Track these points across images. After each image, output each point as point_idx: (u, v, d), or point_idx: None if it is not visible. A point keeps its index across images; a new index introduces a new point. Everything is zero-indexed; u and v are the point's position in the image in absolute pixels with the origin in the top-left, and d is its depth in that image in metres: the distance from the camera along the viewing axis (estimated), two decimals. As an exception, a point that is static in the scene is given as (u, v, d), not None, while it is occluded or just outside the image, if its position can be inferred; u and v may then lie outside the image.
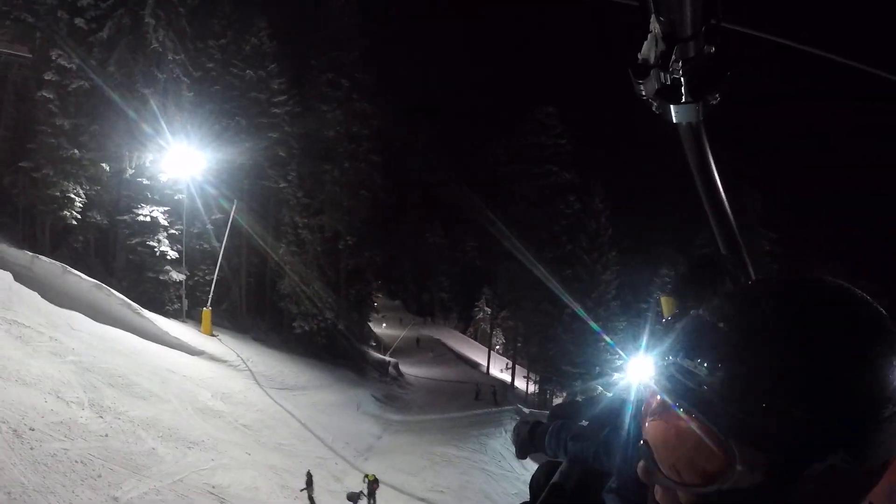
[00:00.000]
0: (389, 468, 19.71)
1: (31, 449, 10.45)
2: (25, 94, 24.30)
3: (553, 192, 49.41)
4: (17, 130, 24.30)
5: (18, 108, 24.58)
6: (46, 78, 22.59)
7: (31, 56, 23.17)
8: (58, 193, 22.15)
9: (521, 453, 2.81)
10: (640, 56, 1.31)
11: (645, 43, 1.29)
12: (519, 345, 56.31)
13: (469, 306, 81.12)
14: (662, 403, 0.83)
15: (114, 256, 24.95)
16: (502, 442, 23.16)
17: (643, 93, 1.36)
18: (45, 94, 22.39)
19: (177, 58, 25.76)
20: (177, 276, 25.15)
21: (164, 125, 23.77)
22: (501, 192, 50.94)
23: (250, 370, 22.26)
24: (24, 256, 19.87)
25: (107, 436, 12.56)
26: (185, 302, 25.74)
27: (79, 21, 23.39)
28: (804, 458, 0.73)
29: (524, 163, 51.43)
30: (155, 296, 24.29)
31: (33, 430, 10.97)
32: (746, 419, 0.75)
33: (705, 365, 0.78)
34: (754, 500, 0.76)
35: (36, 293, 18.21)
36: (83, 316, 18.51)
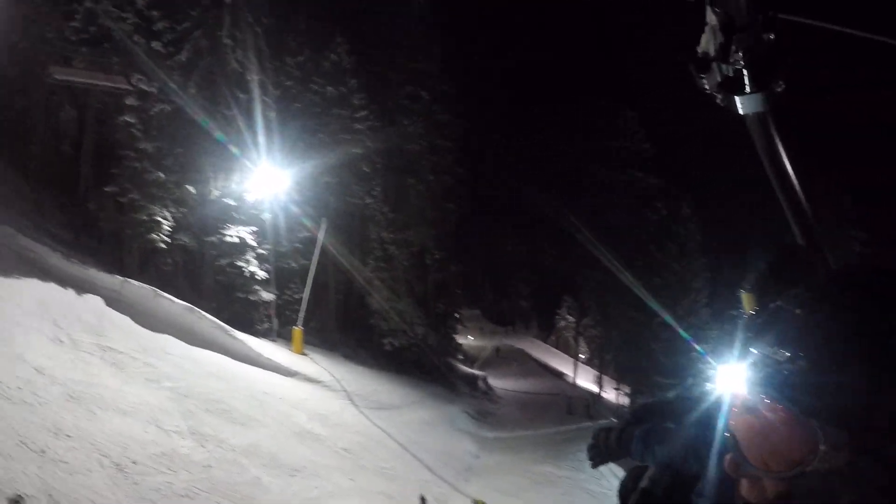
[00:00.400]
0: (491, 489, 18.72)
1: (136, 484, 9.77)
2: (106, 120, 24.31)
3: (638, 198, 48.29)
4: (100, 156, 24.33)
5: (101, 133, 24.63)
6: (128, 103, 22.38)
7: (131, 88, 22.96)
8: (145, 217, 21.89)
9: (600, 460, 2.82)
10: (699, 50, 1.35)
11: (703, 36, 1.32)
12: (606, 356, 55.03)
13: (550, 314, 79.69)
14: (747, 394, 0.85)
15: (202, 278, 24.66)
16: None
17: (706, 86, 1.37)
18: (127, 118, 22.16)
19: (256, 78, 25.47)
20: (266, 295, 24.75)
21: (247, 145, 23.65)
22: (583, 198, 49.96)
23: (345, 390, 21.51)
24: (114, 281, 19.57)
25: (210, 466, 11.84)
26: (276, 321, 25.40)
27: (156, 45, 23.19)
28: (888, 437, 0.74)
29: (606, 168, 50.47)
30: (244, 316, 23.88)
31: (136, 462, 10.30)
32: (829, 400, 0.76)
33: (786, 352, 0.80)
34: (838, 480, 0.77)
35: (128, 318, 17.86)
36: (176, 339, 18.07)
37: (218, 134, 22.67)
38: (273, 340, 24.06)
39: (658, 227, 44.73)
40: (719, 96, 1.35)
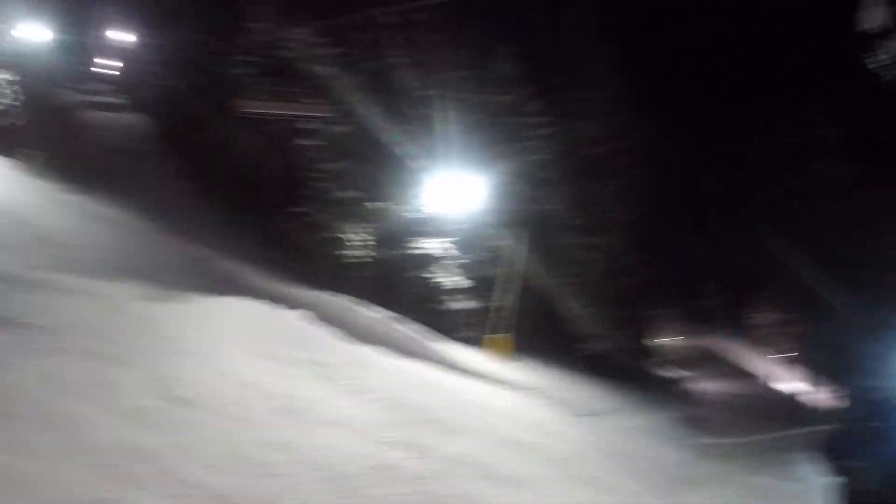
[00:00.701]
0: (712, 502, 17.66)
1: (352, 497, 9.17)
2: (290, 143, 25.01)
3: (834, 188, 44.13)
4: (286, 179, 25.11)
5: (285, 156, 25.43)
6: (309, 127, 22.97)
7: (311, 113, 23.68)
8: (337, 235, 22.19)
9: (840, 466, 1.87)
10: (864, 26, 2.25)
11: (865, 12, 2.65)
12: (812, 356, 50.45)
13: (744, 313, 74.36)
14: None
15: (396, 290, 24.73)
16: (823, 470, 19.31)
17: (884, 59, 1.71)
18: (310, 141, 22.66)
19: (432, 92, 25.43)
20: (460, 304, 24.42)
21: (429, 159, 23.58)
22: (775, 189, 46.32)
23: (550, 397, 20.46)
24: (311, 295, 19.80)
25: (423, 477, 11.13)
26: (475, 330, 25.08)
27: (331, 69, 23.75)
28: None
29: (799, 159, 46.70)
30: (440, 326, 23.60)
31: (350, 475, 9.72)
32: None
33: None
34: None
35: (328, 331, 17.91)
36: (377, 351, 17.88)
37: (400, 149, 22.73)
38: (475, 349, 23.67)
39: (861, 218, 40.79)
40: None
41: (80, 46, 49.25)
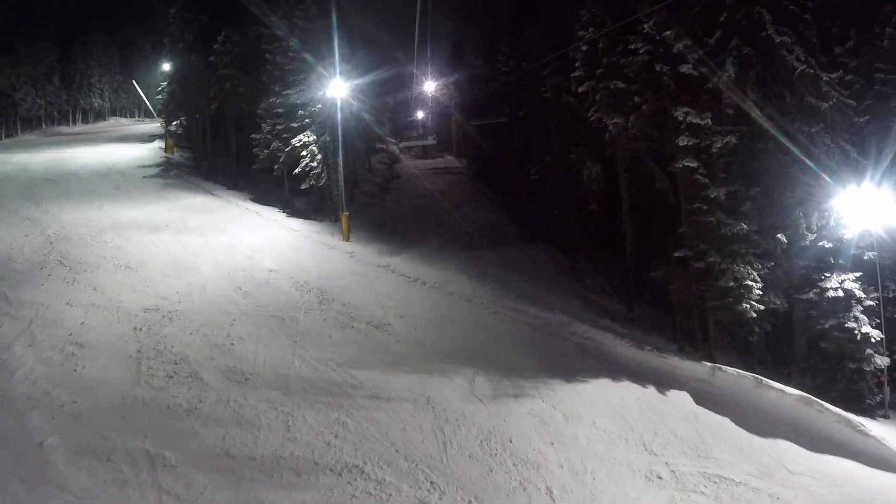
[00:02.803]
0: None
1: None
2: (641, 169, 21.19)
3: None
4: (639, 210, 21.46)
5: (636, 184, 21.83)
6: (681, 144, 17.97)
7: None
8: (731, 283, 16.97)
9: None
10: None
11: None
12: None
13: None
14: None
15: (793, 347, 19.27)
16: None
17: None
18: (686, 163, 17.79)
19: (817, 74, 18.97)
20: (880, 361, 18.12)
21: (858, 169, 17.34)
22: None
23: None
24: (702, 370, 15.67)
25: None
26: (888, 392, 18.50)
27: (685, 68, 18.71)
28: None
29: None
30: (852, 392, 17.75)
31: None
32: None
33: None
34: None
35: (726, 418, 13.93)
36: (792, 444, 13.43)
37: (807, 159, 17.05)
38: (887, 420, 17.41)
39: None
40: None
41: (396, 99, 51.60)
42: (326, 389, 12.81)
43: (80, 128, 59.66)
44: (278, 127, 28.33)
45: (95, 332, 14.38)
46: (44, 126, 55.62)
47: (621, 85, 21.11)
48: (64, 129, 57.18)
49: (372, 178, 37.27)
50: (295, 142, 27.35)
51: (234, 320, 15.66)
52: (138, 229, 22.67)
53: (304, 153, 27.12)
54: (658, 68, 19.34)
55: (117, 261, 19.14)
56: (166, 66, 42.01)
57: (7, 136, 49.55)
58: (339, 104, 26.01)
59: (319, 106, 27.16)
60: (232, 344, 14.33)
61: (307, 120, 27.48)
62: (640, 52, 19.94)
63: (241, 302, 16.93)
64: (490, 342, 16.35)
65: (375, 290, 19.11)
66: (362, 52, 31.64)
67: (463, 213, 30.90)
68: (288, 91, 27.90)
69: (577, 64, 23.30)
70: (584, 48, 22.96)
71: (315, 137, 27.16)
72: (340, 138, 26.51)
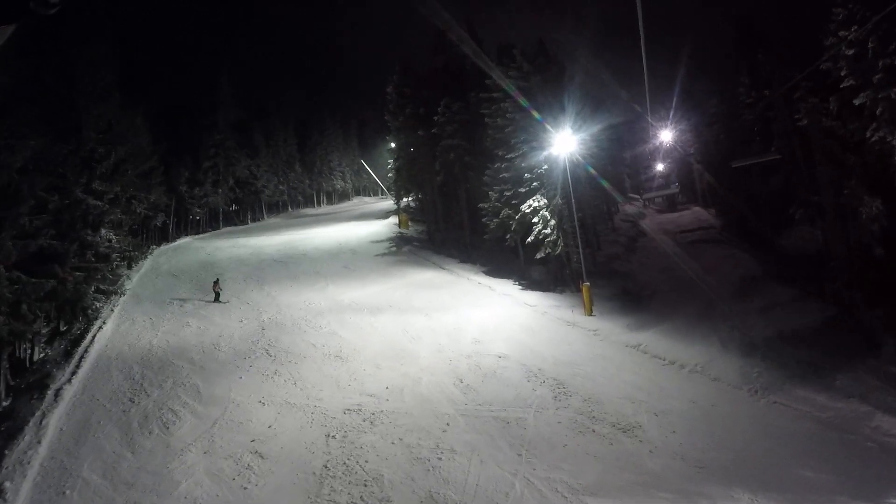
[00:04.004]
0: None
1: None
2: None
3: None
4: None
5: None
6: None
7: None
8: None
9: None
10: None
11: None
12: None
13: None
14: None
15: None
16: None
17: None
18: None
19: None
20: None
21: None
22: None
23: None
24: None
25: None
26: None
27: None
28: None
29: None
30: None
31: None
32: None
33: None
34: None
35: None
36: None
37: None
38: None
39: None
40: None
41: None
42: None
43: (323, 209, 62.58)
44: (506, 193, 26.15)
45: (281, 439, 12.47)
46: (289, 209, 59.03)
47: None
48: (308, 210, 60.22)
49: (616, 238, 34.36)
50: (524, 208, 25.00)
51: (447, 424, 12.93)
52: (358, 311, 21.22)
53: (535, 219, 24.60)
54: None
55: (328, 349, 17.52)
56: (392, 144, 42.18)
57: (253, 220, 52.99)
58: (566, 163, 23.38)
59: (546, 167, 24.72)
60: (440, 458, 11.49)
61: (535, 183, 25.02)
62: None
63: (460, 399, 14.22)
64: (770, 449, 11.95)
65: (623, 378, 15.56)
66: (591, 106, 28.91)
67: (720, 274, 26.04)
68: (511, 154, 25.76)
69: (842, 73, 18.57)
70: (848, 52, 18.24)
71: (546, 201, 24.56)
72: (573, 200, 23.86)
